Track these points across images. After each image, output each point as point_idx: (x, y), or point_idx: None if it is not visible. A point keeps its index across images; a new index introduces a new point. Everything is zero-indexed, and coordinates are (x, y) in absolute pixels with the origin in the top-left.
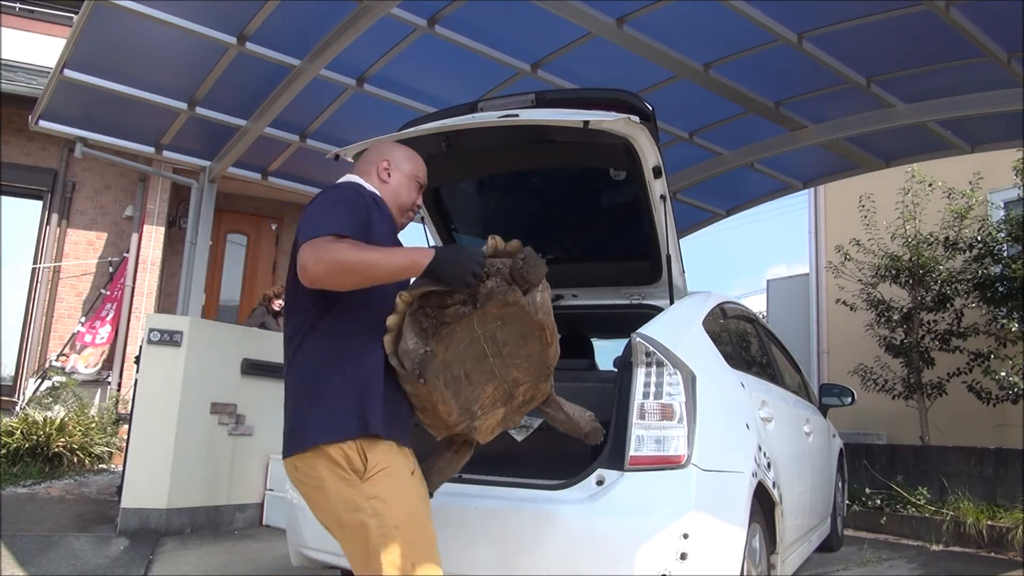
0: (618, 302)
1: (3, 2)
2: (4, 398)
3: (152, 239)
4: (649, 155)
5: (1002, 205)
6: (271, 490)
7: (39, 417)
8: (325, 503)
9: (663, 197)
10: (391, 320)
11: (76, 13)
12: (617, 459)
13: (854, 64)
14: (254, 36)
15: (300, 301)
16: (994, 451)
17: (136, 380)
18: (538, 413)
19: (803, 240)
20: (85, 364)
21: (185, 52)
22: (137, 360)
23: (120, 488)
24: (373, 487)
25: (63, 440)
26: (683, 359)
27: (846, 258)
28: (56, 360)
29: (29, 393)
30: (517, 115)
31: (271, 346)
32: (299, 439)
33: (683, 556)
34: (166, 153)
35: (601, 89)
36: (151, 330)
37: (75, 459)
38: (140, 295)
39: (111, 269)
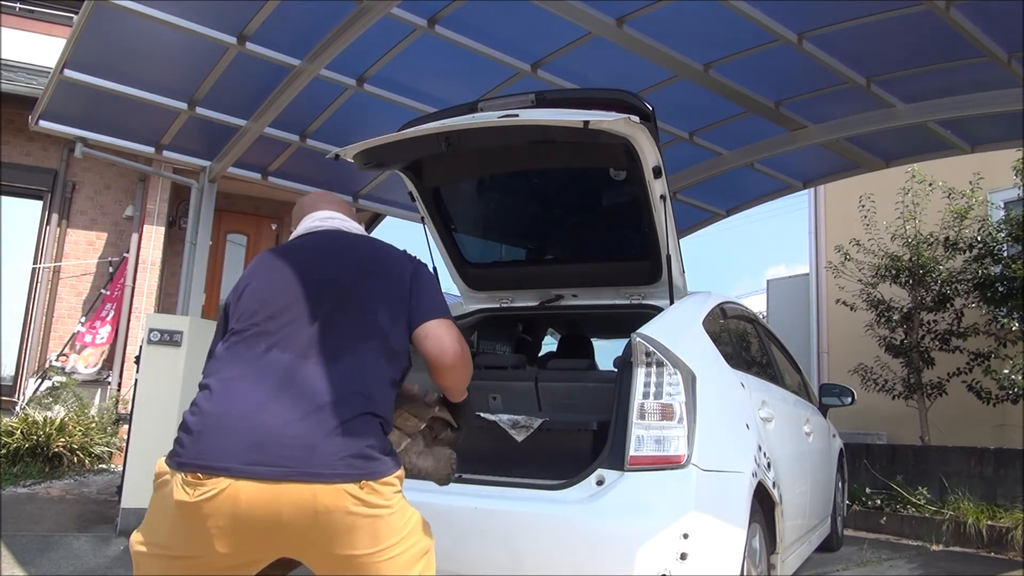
0: (618, 302)
1: (3, 2)
2: (4, 398)
3: (152, 239)
4: (649, 155)
5: (1002, 205)
6: None
7: (39, 417)
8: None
9: (663, 197)
10: (415, 425)
11: (76, 13)
12: (617, 459)
13: (854, 64)
14: (254, 36)
15: (388, 340)
16: (994, 451)
17: (136, 380)
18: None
19: (803, 240)
20: (85, 364)
21: (185, 52)
22: (137, 360)
23: (120, 488)
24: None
25: (63, 440)
26: (683, 359)
27: (846, 258)
28: (56, 360)
29: (29, 393)
30: (517, 115)
31: None
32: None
33: (683, 556)
34: (166, 153)
35: (601, 89)
36: (151, 330)
37: (75, 459)
38: (140, 295)
39: (111, 269)
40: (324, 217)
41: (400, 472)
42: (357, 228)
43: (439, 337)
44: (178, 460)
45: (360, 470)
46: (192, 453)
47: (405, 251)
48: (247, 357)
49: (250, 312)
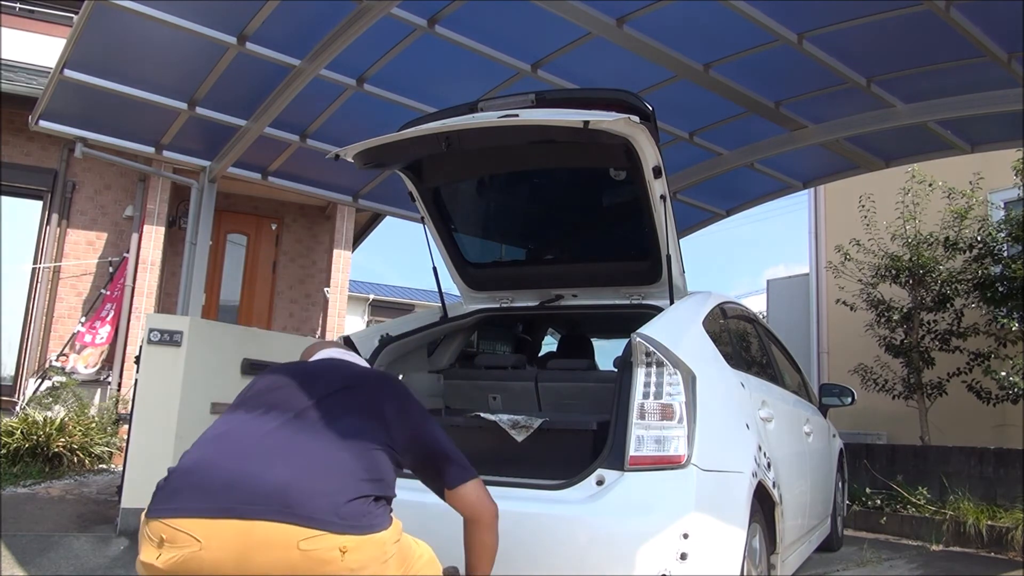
0: (618, 302)
1: (3, 2)
2: (4, 398)
3: (152, 239)
4: (649, 155)
5: (1002, 205)
6: None
7: (39, 417)
8: None
9: (663, 197)
10: None
11: (76, 13)
12: (617, 459)
13: (854, 64)
14: (254, 36)
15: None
16: (994, 451)
17: (136, 380)
18: None
19: (803, 240)
20: (85, 364)
21: (185, 52)
22: (137, 360)
23: (120, 488)
24: None
25: (63, 440)
26: (683, 359)
27: (846, 258)
28: (56, 360)
29: (29, 393)
30: (517, 115)
31: (271, 346)
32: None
33: (683, 556)
34: (166, 153)
35: (601, 89)
36: (151, 330)
37: (75, 459)
38: (140, 295)
39: (111, 269)
40: (329, 354)
41: (393, 528)
42: (362, 362)
43: (482, 499)
44: (150, 508)
45: (343, 524)
46: (161, 499)
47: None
48: (240, 418)
49: (251, 393)
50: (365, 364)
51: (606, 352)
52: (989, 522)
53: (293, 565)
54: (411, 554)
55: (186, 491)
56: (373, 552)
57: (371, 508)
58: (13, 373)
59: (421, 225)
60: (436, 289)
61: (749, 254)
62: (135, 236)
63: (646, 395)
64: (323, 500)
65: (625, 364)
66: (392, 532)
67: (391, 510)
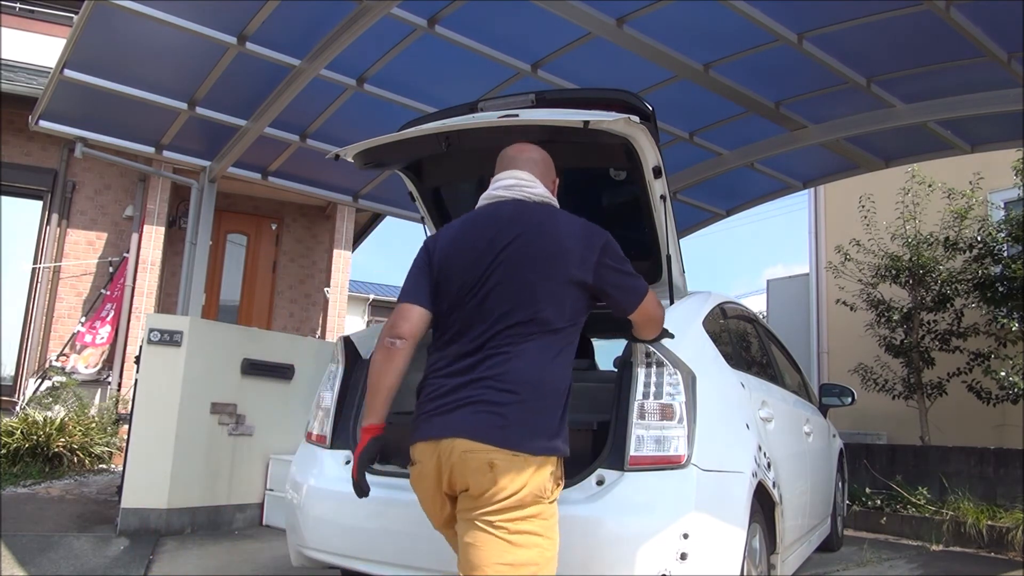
0: None
1: (3, 2)
2: (4, 398)
3: (152, 239)
4: (649, 155)
5: (1002, 205)
6: (271, 490)
7: (39, 417)
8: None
9: (663, 197)
10: None
11: (76, 13)
12: (617, 459)
13: (854, 64)
14: (254, 36)
15: (555, 314)
16: (994, 451)
17: (136, 380)
18: None
19: (803, 240)
20: (85, 364)
21: (185, 52)
22: (137, 360)
23: (120, 488)
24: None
25: (63, 440)
26: (683, 359)
27: (846, 258)
28: (56, 360)
29: (29, 393)
30: (517, 115)
31: (271, 346)
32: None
33: (683, 556)
34: (166, 153)
35: (601, 89)
36: (151, 330)
37: (75, 459)
38: (140, 295)
39: (111, 269)
40: (509, 186)
41: (549, 460)
42: (542, 195)
43: (652, 305)
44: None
45: (504, 441)
46: (412, 431)
47: (588, 227)
48: (440, 354)
49: (447, 298)
50: (542, 201)
51: (606, 352)
52: (989, 522)
53: (462, 469)
54: (553, 497)
55: (418, 426)
56: (519, 473)
57: (540, 434)
58: (13, 373)
59: (421, 225)
60: None
61: (749, 254)
62: (135, 236)
63: (646, 395)
64: (501, 429)
65: (625, 364)
66: (546, 462)
67: (563, 448)
